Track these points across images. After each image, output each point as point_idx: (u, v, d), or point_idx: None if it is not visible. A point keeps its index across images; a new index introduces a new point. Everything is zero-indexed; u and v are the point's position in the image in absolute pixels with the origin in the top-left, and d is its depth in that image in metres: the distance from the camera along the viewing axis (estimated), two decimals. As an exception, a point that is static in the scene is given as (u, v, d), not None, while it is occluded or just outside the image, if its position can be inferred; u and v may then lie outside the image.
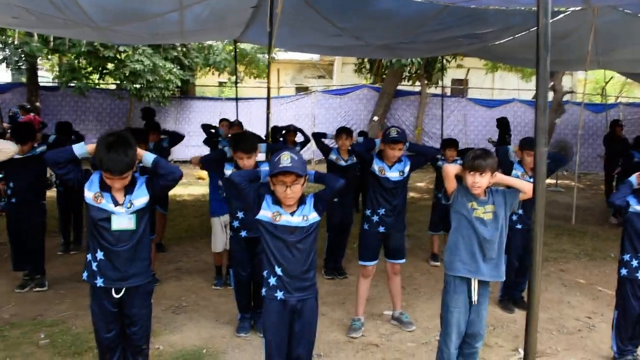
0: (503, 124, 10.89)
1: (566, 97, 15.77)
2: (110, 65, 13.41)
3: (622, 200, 3.80)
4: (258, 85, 19.33)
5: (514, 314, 4.86)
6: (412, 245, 7.01)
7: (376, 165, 4.32)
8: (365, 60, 16.51)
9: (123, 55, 12.62)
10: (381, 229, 4.37)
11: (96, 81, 15.03)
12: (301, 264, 2.93)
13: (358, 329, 4.35)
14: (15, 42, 11.83)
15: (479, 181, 3.15)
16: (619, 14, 5.36)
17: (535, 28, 2.32)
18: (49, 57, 15.90)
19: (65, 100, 15.31)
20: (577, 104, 15.85)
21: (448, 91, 19.85)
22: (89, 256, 2.98)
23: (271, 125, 5.36)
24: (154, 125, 6.70)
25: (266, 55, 13.31)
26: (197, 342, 4.12)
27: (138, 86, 13.13)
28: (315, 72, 25.66)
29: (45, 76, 18.24)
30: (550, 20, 2.30)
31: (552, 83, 13.49)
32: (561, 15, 5.39)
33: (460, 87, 20.76)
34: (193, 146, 12.35)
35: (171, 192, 6.96)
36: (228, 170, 4.20)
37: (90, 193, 2.90)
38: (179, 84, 14.09)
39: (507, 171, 4.57)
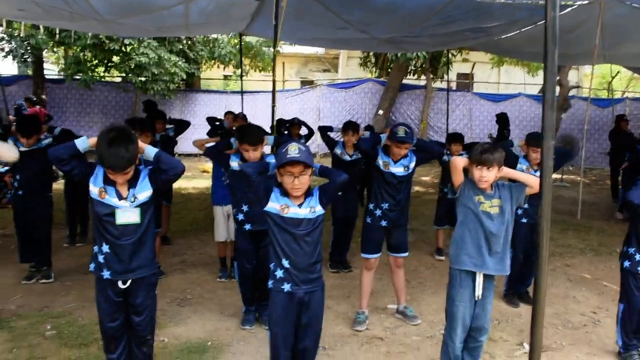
0: (502, 120, 10.94)
1: (572, 92, 15.71)
2: (115, 58, 13.44)
3: None
4: (263, 79, 19.30)
5: (519, 308, 4.86)
6: (417, 239, 7.02)
7: (381, 160, 4.31)
8: (371, 54, 16.45)
9: (128, 48, 12.62)
10: (383, 223, 4.36)
11: (102, 74, 15.05)
12: (309, 257, 2.93)
13: (362, 322, 4.36)
14: (21, 35, 11.89)
15: (486, 175, 3.15)
16: (627, 8, 5.32)
17: (543, 22, 2.31)
18: (55, 49, 15.94)
19: (71, 92, 15.39)
20: (583, 98, 15.81)
21: (453, 85, 19.82)
22: (96, 248, 2.99)
23: (276, 118, 5.35)
24: (160, 114, 6.69)
25: (271, 49, 13.26)
26: (202, 335, 4.13)
27: (143, 79, 13.15)
28: (321, 65, 25.61)
29: (51, 69, 18.27)
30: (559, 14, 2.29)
31: (558, 78, 13.40)
32: (568, 9, 5.36)
33: (465, 82, 20.72)
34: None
35: (176, 185, 6.98)
36: (234, 162, 4.20)
37: (95, 188, 2.90)
38: (184, 76, 14.10)
39: (512, 165, 4.53)
